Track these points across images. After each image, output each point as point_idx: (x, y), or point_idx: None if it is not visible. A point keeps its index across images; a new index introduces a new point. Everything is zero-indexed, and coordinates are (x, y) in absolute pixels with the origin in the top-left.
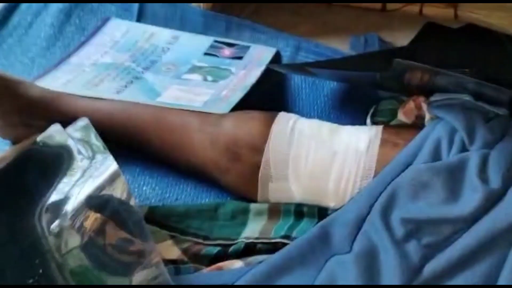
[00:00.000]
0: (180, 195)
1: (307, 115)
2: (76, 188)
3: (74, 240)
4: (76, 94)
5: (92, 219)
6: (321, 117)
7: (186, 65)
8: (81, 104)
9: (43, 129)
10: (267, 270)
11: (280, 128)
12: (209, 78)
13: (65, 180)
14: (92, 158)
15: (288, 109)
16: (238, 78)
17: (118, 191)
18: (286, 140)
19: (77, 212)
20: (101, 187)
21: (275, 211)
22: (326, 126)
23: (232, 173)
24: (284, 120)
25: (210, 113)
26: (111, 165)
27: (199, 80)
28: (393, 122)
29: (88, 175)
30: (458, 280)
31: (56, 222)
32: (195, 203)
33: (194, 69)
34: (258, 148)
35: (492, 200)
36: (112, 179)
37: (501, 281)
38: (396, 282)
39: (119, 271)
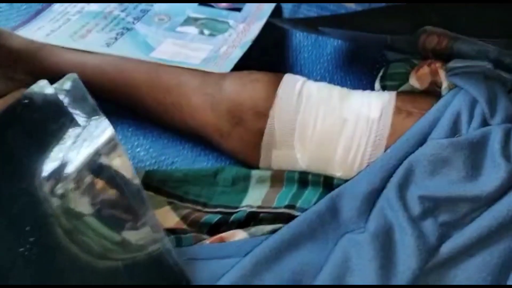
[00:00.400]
0: (176, 158)
1: (310, 74)
2: (71, 153)
3: (83, 205)
4: (61, 46)
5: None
6: (324, 77)
7: (181, 16)
8: (67, 57)
9: (26, 83)
10: (276, 246)
11: (287, 92)
12: (206, 31)
13: (56, 148)
14: (84, 120)
15: (289, 68)
16: (237, 32)
17: (116, 160)
18: (292, 105)
19: (80, 175)
20: (97, 153)
21: (278, 178)
22: (336, 91)
23: (233, 137)
24: (291, 84)
25: (209, 72)
26: (106, 128)
27: (195, 33)
28: (403, 87)
29: (82, 138)
30: (475, 260)
31: (59, 185)
32: (193, 167)
33: (189, 21)
34: (262, 113)
35: None
36: (108, 144)
37: None
38: (412, 262)
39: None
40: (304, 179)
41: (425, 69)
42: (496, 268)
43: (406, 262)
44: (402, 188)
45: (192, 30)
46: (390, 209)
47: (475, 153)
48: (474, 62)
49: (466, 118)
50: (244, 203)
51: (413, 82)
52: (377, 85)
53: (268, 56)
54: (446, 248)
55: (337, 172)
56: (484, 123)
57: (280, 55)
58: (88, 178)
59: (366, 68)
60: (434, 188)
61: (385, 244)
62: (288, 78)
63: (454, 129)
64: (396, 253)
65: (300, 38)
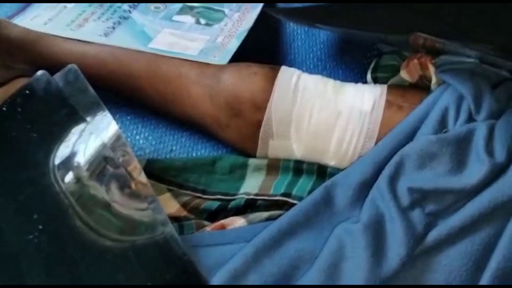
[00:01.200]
0: (175, 145)
1: (303, 63)
2: (79, 145)
3: (96, 190)
4: (60, 36)
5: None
6: (317, 66)
7: (176, 4)
8: (67, 47)
9: (25, 72)
10: (275, 234)
11: (283, 85)
12: (202, 21)
13: (62, 140)
14: (86, 111)
15: (282, 57)
16: (232, 21)
17: (120, 151)
18: (289, 98)
19: (91, 164)
20: (105, 145)
21: (274, 167)
22: (330, 84)
23: (231, 128)
24: (287, 77)
25: (207, 63)
26: (111, 123)
27: (192, 23)
28: (394, 79)
29: (89, 132)
30: (458, 247)
31: (71, 173)
32: (192, 156)
33: (185, 10)
34: (260, 106)
35: (496, 173)
36: (113, 138)
37: (499, 250)
38: (401, 250)
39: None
40: (299, 168)
41: (415, 62)
42: (477, 254)
43: (395, 250)
44: (393, 180)
45: (188, 19)
46: (382, 200)
47: (461, 148)
48: (462, 58)
49: (453, 114)
50: (242, 190)
51: (404, 75)
52: (369, 77)
53: (263, 45)
54: (432, 236)
55: (331, 162)
56: (470, 119)
57: (274, 44)
58: (98, 167)
59: (358, 58)
60: (422, 181)
61: (377, 233)
62: (284, 71)
63: (442, 124)
64: (386, 241)
65: (294, 27)
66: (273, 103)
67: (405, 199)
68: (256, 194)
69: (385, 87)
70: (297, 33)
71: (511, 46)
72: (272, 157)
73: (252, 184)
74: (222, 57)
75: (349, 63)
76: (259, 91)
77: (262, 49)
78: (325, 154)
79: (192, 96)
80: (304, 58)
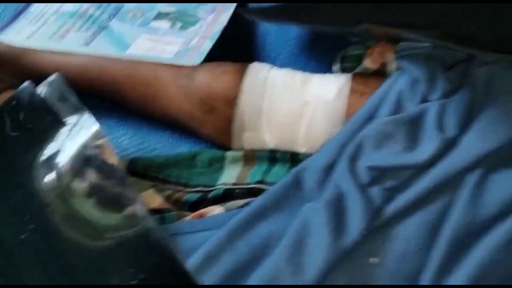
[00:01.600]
0: (157, 144)
1: (276, 58)
2: (62, 147)
3: (78, 190)
4: (43, 49)
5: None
6: (289, 60)
7: (153, 11)
8: (51, 59)
9: (12, 84)
10: (247, 217)
11: (252, 80)
12: (178, 24)
13: (47, 144)
14: (70, 117)
15: (256, 54)
16: (207, 23)
17: (102, 150)
18: (258, 92)
19: (72, 165)
20: (86, 145)
21: (250, 157)
22: (298, 76)
23: (208, 124)
24: (256, 72)
25: (182, 65)
26: (93, 123)
27: (167, 27)
28: (359, 68)
29: (71, 134)
30: (415, 218)
31: (53, 174)
32: (173, 153)
33: (161, 16)
34: (232, 101)
35: (447, 147)
36: (94, 137)
37: (452, 218)
38: (361, 223)
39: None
40: (273, 157)
41: (377, 50)
42: (432, 223)
43: (355, 224)
44: (353, 160)
45: (164, 24)
46: (342, 180)
47: (414, 127)
48: (419, 44)
49: (409, 95)
50: (221, 181)
51: (368, 63)
52: (336, 67)
53: (236, 43)
54: (390, 209)
55: (302, 149)
56: (424, 100)
57: (249, 41)
58: (79, 167)
59: (329, 50)
60: (380, 159)
61: (338, 209)
62: (253, 66)
63: (398, 106)
64: (347, 217)
65: (266, 25)
66: (243, 97)
67: (364, 177)
68: (234, 184)
69: (350, 75)
70: (270, 31)
71: (457, 33)
72: (248, 148)
73: (230, 175)
74: (195, 59)
75: (320, 56)
76: (230, 87)
77: (237, 47)
78: (296, 142)
79: (170, 97)
80: (277, 54)
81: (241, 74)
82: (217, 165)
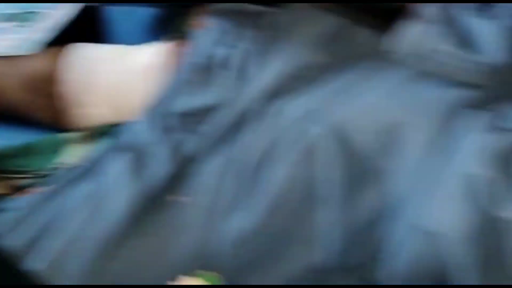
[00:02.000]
0: None
1: (121, 41)
2: None
3: None
4: None
5: None
6: (135, 42)
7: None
8: None
9: None
10: (63, 183)
11: (72, 59)
12: (19, 23)
13: None
14: None
15: (106, 41)
16: (52, 17)
17: None
18: (81, 69)
19: None
20: None
21: (86, 136)
22: (117, 49)
23: (40, 107)
24: (76, 51)
25: (19, 56)
26: None
27: (10, 27)
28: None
29: None
30: (218, 157)
31: None
32: (12, 143)
33: (9, 17)
34: (56, 81)
35: (239, 87)
36: None
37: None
38: (165, 164)
39: None
40: (108, 131)
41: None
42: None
43: (159, 164)
44: (154, 112)
45: (7, 24)
46: (144, 132)
47: (209, 72)
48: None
49: (217, 45)
50: (56, 164)
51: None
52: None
53: (85, 34)
54: (194, 148)
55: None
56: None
57: (97, 31)
58: None
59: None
60: (176, 106)
61: (139, 156)
62: (72, 46)
63: (206, 58)
64: (148, 160)
65: (114, 13)
66: (65, 76)
67: (167, 123)
68: (66, 164)
69: (170, 42)
70: (117, 19)
71: None
72: (84, 126)
73: (70, 155)
74: (29, 47)
75: (161, 34)
76: (52, 69)
77: (85, 38)
78: (127, 113)
79: (4, 86)
80: (126, 39)
81: (61, 55)
82: (52, 148)
